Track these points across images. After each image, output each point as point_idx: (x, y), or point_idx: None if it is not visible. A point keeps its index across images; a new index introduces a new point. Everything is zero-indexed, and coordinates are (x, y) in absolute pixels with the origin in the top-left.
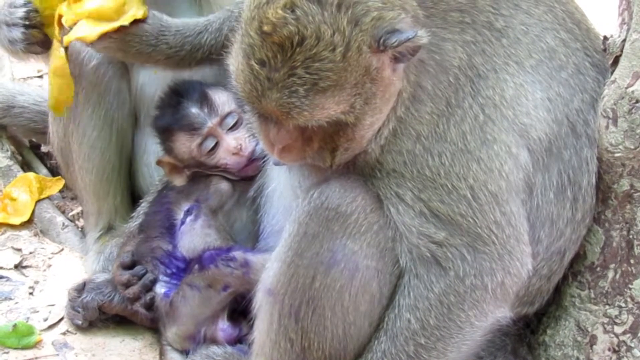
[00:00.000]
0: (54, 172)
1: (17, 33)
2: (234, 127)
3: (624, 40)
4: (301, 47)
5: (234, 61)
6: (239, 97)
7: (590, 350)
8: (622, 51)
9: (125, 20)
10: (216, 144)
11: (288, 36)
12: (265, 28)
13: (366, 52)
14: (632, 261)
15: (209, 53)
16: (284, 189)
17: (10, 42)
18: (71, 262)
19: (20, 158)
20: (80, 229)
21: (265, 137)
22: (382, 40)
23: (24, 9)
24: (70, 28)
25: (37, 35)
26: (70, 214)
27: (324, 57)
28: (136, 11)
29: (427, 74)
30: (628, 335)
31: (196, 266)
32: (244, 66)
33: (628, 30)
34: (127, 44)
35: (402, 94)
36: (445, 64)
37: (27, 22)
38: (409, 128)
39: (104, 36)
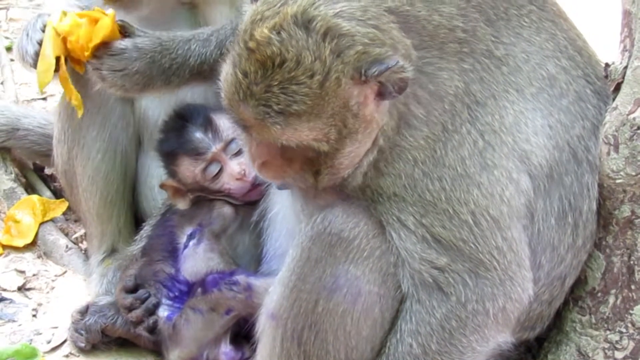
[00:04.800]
0: (57, 194)
1: (31, 49)
2: (238, 153)
3: (626, 67)
4: (281, 69)
5: (226, 65)
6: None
7: None
8: (623, 78)
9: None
10: (220, 169)
11: (270, 56)
12: (250, 44)
13: (346, 84)
14: (632, 287)
15: (200, 64)
16: (287, 213)
17: (22, 53)
18: (74, 285)
19: (24, 180)
20: (83, 252)
21: (248, 150)
22: (363, 71)
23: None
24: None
25: None
26: (74, 236)
27: (302, 82)
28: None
29: (420, 103)
30: None
31: (199, 290)
32: (231, 71)
33: (630, 57)
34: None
35: (383, 127)
36: (440, 92)
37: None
38: (405, 152)
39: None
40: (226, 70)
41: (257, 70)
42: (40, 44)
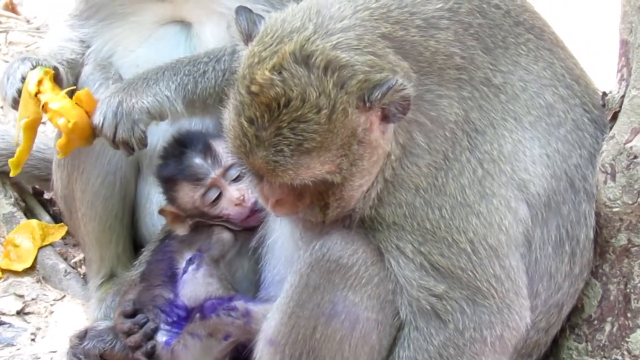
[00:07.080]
0: (56, 219)
1: (11, 91)
2: (237, 179)
3: (623, 97)
4: (287, 109)
5: (227, 116)
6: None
7: None
8: (620, 107)
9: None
10: (219, 195)
11: (274, 97)
12: (253, 88)
13: (352, 113)
14: (629, 315)
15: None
16: (285, 240)
17: (4, 95)
18: (73, 309)
19: (23, 205)
20: (82, 276)
21: (259, 191)
22: (366, 97)
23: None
24: None
25: None
26: (73, 260)
27: (310, 119)
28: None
29: (422, 130)
30: None
31: (198, 315)
32: (235, 122)
33: (627, 86)
34: None
35: (390, 156)
36: (442, 119)
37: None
38: (407, 181)
39: None
40: (230, 122)
41: (263, 114)
42: (19, 93)
